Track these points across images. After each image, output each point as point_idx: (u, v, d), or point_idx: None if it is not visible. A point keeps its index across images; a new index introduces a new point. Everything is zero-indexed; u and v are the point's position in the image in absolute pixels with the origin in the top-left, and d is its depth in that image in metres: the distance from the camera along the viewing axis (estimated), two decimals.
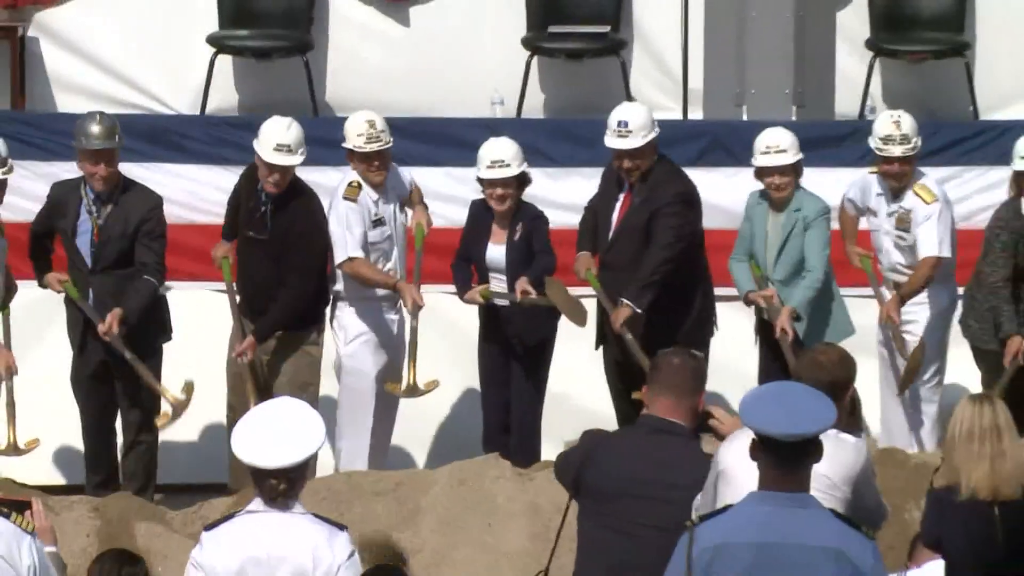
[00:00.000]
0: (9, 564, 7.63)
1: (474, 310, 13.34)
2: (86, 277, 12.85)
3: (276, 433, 8.23)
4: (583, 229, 13.20)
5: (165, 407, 12.57)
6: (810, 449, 7.53)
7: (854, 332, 13.11)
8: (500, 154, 12.96)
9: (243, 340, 12.81)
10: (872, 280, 13.30)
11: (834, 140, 13.89)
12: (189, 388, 12.72)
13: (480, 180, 12.97)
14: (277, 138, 12.86)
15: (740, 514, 7.55)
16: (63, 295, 12.97)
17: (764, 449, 7.53)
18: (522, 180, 13.03)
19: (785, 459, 7.50)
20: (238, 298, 13.11)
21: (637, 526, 8.97)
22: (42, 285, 12.89)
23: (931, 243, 13.02)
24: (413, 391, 12.97)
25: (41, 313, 13.34)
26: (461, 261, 13.26)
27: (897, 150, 13.03)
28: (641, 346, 12.65)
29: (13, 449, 12.66)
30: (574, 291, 13.08)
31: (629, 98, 14.40)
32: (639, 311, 12.73)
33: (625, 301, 12.75)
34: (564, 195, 13.45)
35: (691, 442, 9.24)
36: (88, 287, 12.84)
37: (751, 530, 7.45)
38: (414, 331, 12.88)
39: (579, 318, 12.96)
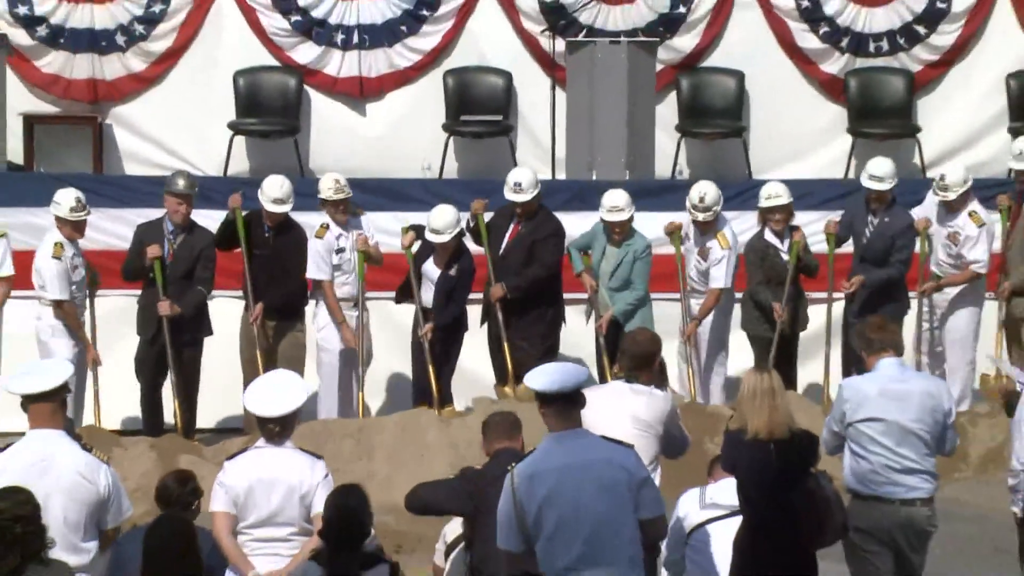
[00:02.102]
0: (91, 483, 7.65)
1: (405, 310, 13.14)
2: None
3: (274, 393, 8.32)
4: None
5: None
6: (573, 398, 7.57)
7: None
8: (443, 224, 12.59)
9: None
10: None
11: (653, 193, 13.78)
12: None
13: (430, 230, 12.62)
14: (273, 194, 12.79)
15: (541, 451, 7.58)
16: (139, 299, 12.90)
17: (545, 403, 7.58)
18: (460, 234, 12.78)
19: (561, 407, 7.53)
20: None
21: None
22: (144, 266, 12.61)
23: (720, 278, 12.92)
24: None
25: (117, 320, 13.10)
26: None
27: (700, 216, 12.90)
28: (517, 330, 12.77)
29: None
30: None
31: (515, 164, 14.37)
32: (508, 295, 12.69)
33: (502, 285, 12.74)
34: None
35: None
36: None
37: (551, 459, 7.44)
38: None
39: None
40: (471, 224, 12.97)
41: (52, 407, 7.75)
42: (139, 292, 12.91)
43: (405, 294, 12.92)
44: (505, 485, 7.50)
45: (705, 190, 12.99)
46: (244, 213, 12.83)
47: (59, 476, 7.48)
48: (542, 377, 7.59)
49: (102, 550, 7.67)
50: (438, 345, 12.72)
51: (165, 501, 8.25)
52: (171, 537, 7.05)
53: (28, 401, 7.77)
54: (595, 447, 7.50)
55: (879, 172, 12.98)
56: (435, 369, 12.64)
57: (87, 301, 12.77)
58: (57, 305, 12.54)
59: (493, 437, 8.56)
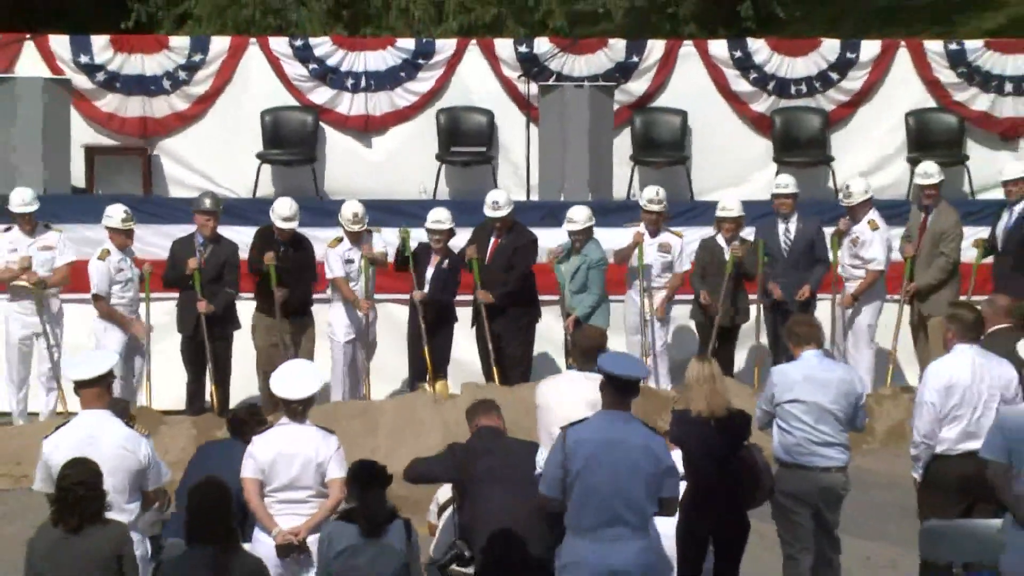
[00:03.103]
0: (132, 454, 7.66)
1: (402, 311, 13.12)
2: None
3: (295, 379, 8.24)
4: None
5: None
6: (632, 387, 7.55)
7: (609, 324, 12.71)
8: (440, 217, 12.73)
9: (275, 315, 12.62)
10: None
11: (612, 211, 13.71)
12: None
13: (427, 230, 12.72)
14: (284, 213, 12.74)
15: (592, 422, 7.54)
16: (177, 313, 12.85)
17: (608, 385, 7.53)
18: (451, 233, 12.83)
19: (619, 391, 7.50)
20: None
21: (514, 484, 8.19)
22: (187, 274, 12.51)
23: (683, 267, 13.05)
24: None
25: (164, 321, 12.99)
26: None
27: (655, 207, 12.94)
28: (503, 327, 12.71)
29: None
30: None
31: (496, 187, 14.33)
32: (494, 300, 12.63)
33: (488, 292, 12.67)
34: (460, 240, 13.07)
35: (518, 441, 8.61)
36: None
37: (599, 431, 7.43)
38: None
39: None
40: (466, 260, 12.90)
41: (99, 391, 7.78)
42: (177, 296, 12.85)
43: (402, 266, 12.85)
44: (556, 441, 7.49)
45: (657, 189, 13.11)
46: (259, 228, 12.86)
47: (104, 449, 7.46)
48: (612, 362, 7.58)
49: (144, 510, 7.70)
50: (433, 327, 12.65)
51: (238, 430, 8.72)
52: (211, 497, 7.01)
53: (79, 386, 7.84)
54: (637, 432, 7.46)
55: (785, 181, 13.09)
56: (429, 346, 12.56)
57: (138, 296, 12.73)
58: (95, 299, 12.54)
59: (476, 416, 8.55)
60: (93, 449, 7.36)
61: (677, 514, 8.28)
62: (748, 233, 13.20)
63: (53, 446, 7.67)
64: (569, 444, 7.37)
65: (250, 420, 8.80)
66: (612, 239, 13.16)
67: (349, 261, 12.87)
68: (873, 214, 13.03)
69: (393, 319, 13.39)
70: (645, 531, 7.37)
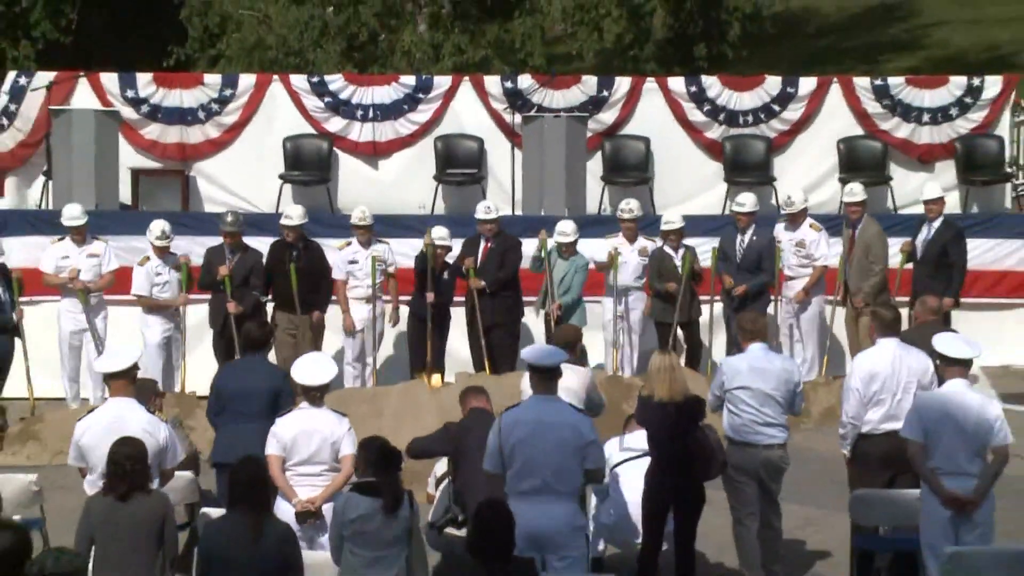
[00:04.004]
0: (153, 436, 7.65)
1: (404, 310, 13.03)
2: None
3: (314, 368, 8.23)
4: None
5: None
6: (553, 373, 7.56)
7: (586, 323, 12.79)
8: (444, 235, 12.80)
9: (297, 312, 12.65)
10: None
11: (585, 225, 13.62)
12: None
13: (434, 246, 12.66)
14: (293, 215, 12.88)
15: (525, 406, 7.60)
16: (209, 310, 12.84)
17: (534, 373, 7.60)
18: (450, 248, 12.89)
19: (543, 378, 7.55)
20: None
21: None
22: (219, 279, 12.52)
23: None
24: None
25: (200, 319, 13.01)
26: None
27: (627, 215, 13.12)
28: (492, 320, 12.70)
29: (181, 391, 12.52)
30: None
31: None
32: (487, 289, 12.65)
33: (482, 281, 12.70)
34: (454, 250, 13.16)
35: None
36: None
37: (530, 413, 7.47)
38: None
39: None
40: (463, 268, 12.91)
41: (125, 381, 7.81)
42: (210, 297, 12.89)
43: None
44: (495, 423, 7.52)
45: (629, 201, 13.28)
46: (275, 240, 12.89)
47: (129, 431, 7.44)
48: (534, 353, 7.63)
49: (162, 484, 7.69)
50: (435, 322, 12.67)
51: (251, 343, 9.32)
52: (250, 471, 6.97)
53: (107, 377, 7.90)
54: (563, 412, 7.48)
55: (744, 201, 13.10)
56: (432, 340, 12.57)
57: (175, 296, 12.72)
58: (137, 298, 12.65)
59: (468, 400, 8.60)
60: (120, 432, 7.34)
61: (643, 484, 8.34)
62: (703, 243, 13.29)
63: (85, 427, 7.74)
64: (504, 425, 7.39)
65: (261, 333, 9.47)
66: (588, 248, 13.16)
67: (353, 261, 12.91)
68: (810, 220, 13.19)
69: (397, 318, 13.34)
70: (571, 498, 7.38)
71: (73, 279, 12.65)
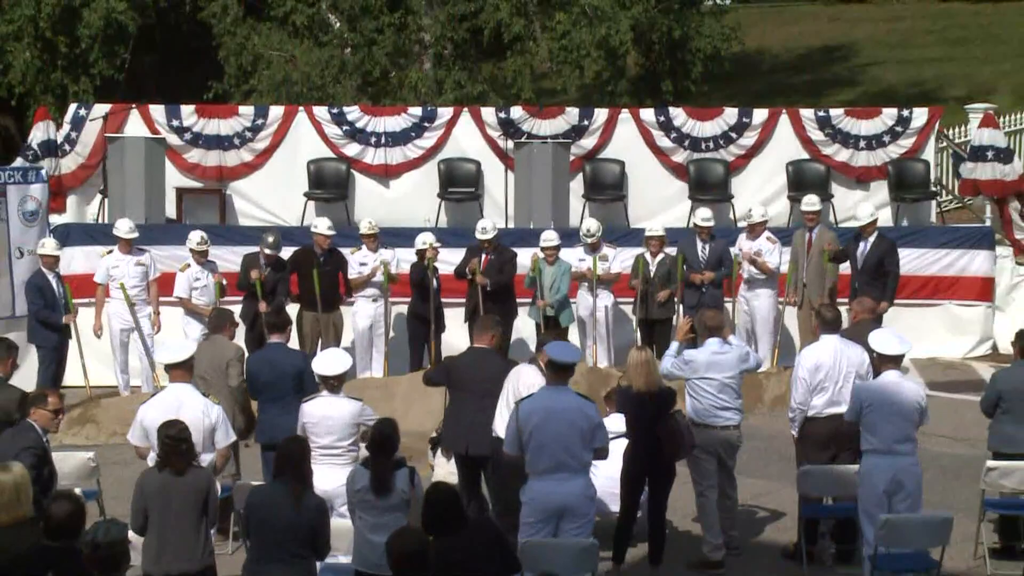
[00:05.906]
0: (207, 417, 7.77)
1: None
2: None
3: (331, 360, 8.25)
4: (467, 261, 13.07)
5: None
6: (569, 368, 7.52)
7: (574, 319, 12.89)
8: (430, 238, 12.93)
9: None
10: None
11: (569, 237, 13.73)
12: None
13: (424, 253, 12.78)
14: (322, 226, 12.92)
15: (539, 394, 7.52)
16: (241, 308, 12.69)
17: (551, 366, 7.53)
18: (436, 250, 12.89)
19: (559, 371, 7.49)
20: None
21: (476, 396, 8.60)
22: (252, 281, 12.55)
23: (615, 268, 13.24)
24: None
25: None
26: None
27: (589, 240, 13.16)
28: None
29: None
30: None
31: (482, 218, 14.22)
32: (488, 286, 12.67)
33: (486, 279, 12.72)
34: (455, 258, 13.13)
35: (498, 358, 8.83)
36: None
37: (543, 402, 7.40)
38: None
39: None
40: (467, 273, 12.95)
41: (182, 371, 7.97)
42: (243, 297, 12.90)
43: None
44: (512, 413, 7.49)
45: (588, 225, 13.33)
46: (298, 248, 12.92)
47: (187, 413, 7.51)
48: (555, 350, 7.55)
49: (221, 462, 7.75)
50: (435, 321, 12.78)
51: (271, 327, 9.56)
52: (294, 448, 6.87)
53: (168, 367, 8.06)
54: (572, 400, 7.42)
55: (705, 215, 13.24)
56: (435, 338, 12.68)
57: (212, 301, 12.65)
58: (179, 299, 12.66)
59: (473, 338, 8.93)
60: (178, 414, 7.35)
61: (621, 462, 8.33)
62: (670, 252, 13.31)
63: (147, 409, 7.80)
64: (522, 413, 7.35)
65: (279, 320, 9.44)
66: (570, 256, 13.24)
67: (363, 264, 13.02)
68: (767, 233, 13.31)
69: (402, 315, 13.36)
70: (584, 472, 7.38)
71: (121, 288, 12.53)
